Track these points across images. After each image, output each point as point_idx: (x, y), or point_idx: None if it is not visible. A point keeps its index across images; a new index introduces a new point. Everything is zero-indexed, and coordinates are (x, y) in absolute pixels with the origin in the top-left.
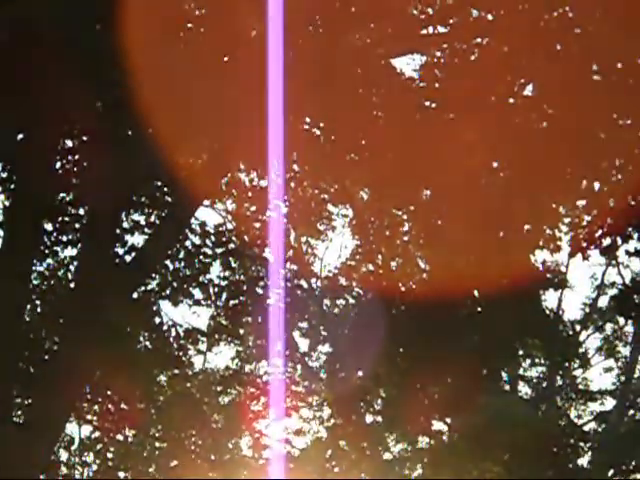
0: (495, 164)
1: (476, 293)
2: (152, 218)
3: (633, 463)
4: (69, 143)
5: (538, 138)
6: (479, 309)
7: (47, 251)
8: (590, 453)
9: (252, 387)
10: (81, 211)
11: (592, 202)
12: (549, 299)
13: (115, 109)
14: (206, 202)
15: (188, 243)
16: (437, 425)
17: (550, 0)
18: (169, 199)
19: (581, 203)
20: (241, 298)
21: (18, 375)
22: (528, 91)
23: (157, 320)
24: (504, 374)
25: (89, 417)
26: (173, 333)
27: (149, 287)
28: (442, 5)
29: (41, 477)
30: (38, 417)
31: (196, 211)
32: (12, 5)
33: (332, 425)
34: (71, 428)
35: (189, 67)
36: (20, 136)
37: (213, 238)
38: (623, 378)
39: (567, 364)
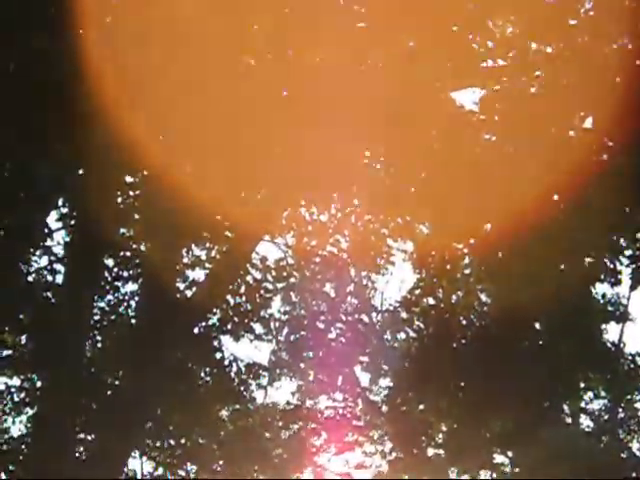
0: (556, 196)
1: (538, 326)
2: (213, 253)
3: None
4: (130, 178)
5: (598, 170)
6: (541, 342)
7: (108, 286)
8: None
9: (313, 422)
10: (142, 246)
11: None
12: (610, 332)
13: (176, 145)
14: (267, 237)
15: (249, 278)
16: (499, 458)
17: (609, 32)
18: (230, 234)
19: None
20: (302, 333)
21: (81, 410)
22: (588, 123)
23: (218, 355)
24: (566, 407)
25: (151, 452)
26: (234, 368)
27: (210, 322)
28: (501, 38)
29: None
30: (101, 452)
31: (257, 246)
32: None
33: (394, 459)
34: (133, 463)
35: (251, 103)
36: (81, 171)
37: (274, 273)
38: None
39: (629, 397)
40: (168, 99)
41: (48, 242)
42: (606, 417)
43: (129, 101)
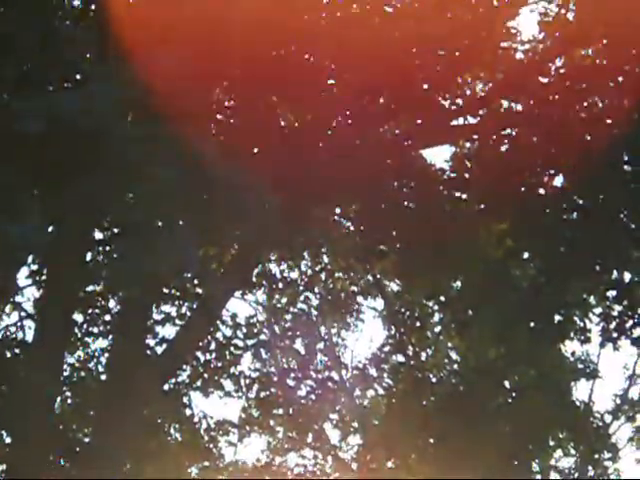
0: (525, 254)
1: (507, 384)
2: (183, 310)
3: None
4: (99, 235)
5: (569, 228)
6: (510, 400)
7: (78, 343)
8: None
9: (283, 479)
10: (111, 303)
11: (623, 292)
12: (580, 389)
13: (146, 201)
14: (237, 294)
15: (219, 335)
16: None
17: (581, 90)
18: (200, 291)
19: (612, 293)
20: (272, 390)
21: (49, 467)
22: (558, 181)
23: (188, 412)
24: (535, 465)
25: None
26: (204, 425)
27: (180, 378)
28: (472, 96)
29: None
30: None
31: (227, 303)
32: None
33: None
34: None
35: (220, 160)
36: (50, 228)
37: (244, 330)
38: None
39: (598, 455)
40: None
41: (18, 298)
42: (576, 475)
43: (99, 159)
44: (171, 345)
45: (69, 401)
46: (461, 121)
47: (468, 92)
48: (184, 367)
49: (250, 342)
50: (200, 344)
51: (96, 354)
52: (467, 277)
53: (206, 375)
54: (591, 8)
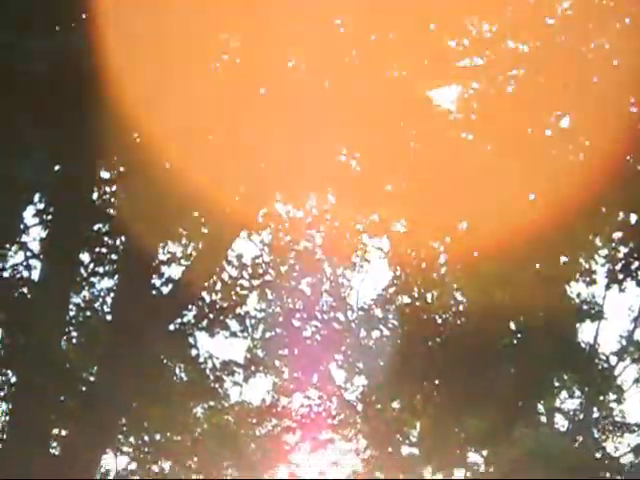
0: (532, 196)
1: (512, 325)
2: (189, 250)
3: None
4: (106, 174)
5: (574, 170)
6: (515, 341)
7: (84, 282)
8: None
9: (288, 419)
10: (118, 242)
11: (628, 234)
12: (585, 331)
13: (153, 141)
14: (243, 234)
15: (225, 275)
16: (473, 457)
17: (587, 31)
18: (206, 231)
19: (617, 235)
20: (277, 330)
21: (55, 406)
22: (565, 123)
23: (193, 352)
24: (540, 407)
25: (125, 448)
26: (209, 365)
27: (185, 319)
28: (479, 37)
29: None
30: (74, 448)
31: (233, 243)
32: (52, 37)
33: (368, 457)
34: (107, 459)
35: (227, 100)
36: (57, 167)
37: (250, 270)
38: None
39: (603, 396)
40: (143, 97)
41: (24, 238)
42: (581, 417)
43: (106, 100)
44: (177, 285)
45: (74, 341)
46: (468, 62)
47: (475, 33)
48: (190, 307)
49: (256, 282)
50: (206, 284)
51: (102, 294)
52: (473, 218)
53: (212, 315)
54: None
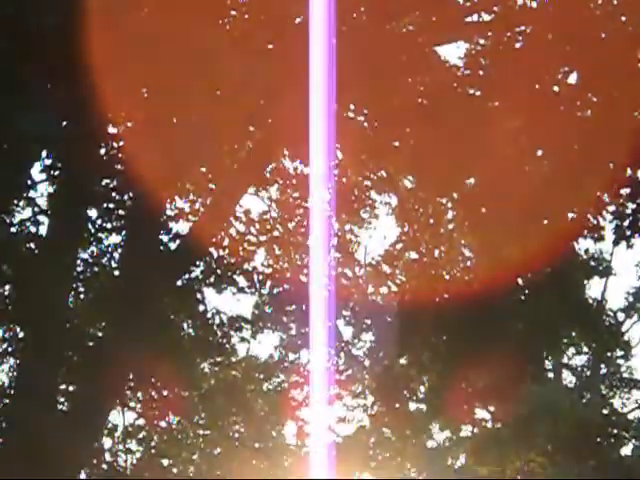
0: (539, 152)
1: (520, 281)
2: (196, 205)
3: None
4: (113, 129)
5: (582, 126)
6: (523, 297)
7: (91, 238)
8: (634, 442)
9: (295, 375)
10: (125, 198)
11: (636, 190)
12: (593, 287)
13: (161, 95)
14: (250, 190)
15: (232, 231)
16: (480, 414)
17: None
18: (213, 186)
19: (625, 191)
20: (285, 286)
21: (62, 362)
22: (572, 79)
23: (201, 307)
24: (548, 362)
25: (133, 404)
26: (217, 321)
27: (193, 275)
28: None
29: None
30: (82, 404)
31: (240, 199)
32: None
33: (375, 413)
34: (115, 415)
35: (234, 54)
36: (64, 123)
37: (257, 226)
38: None
39: (611, 353)
40: (152, 56)
41: (31, 194)
42: (588, 373)
43: (114, 55)
44: (184, 241)
45: (82, 297)
46: (475, 18)
47: None
48: (197, 263)
49: (263, 238)
50: (213, 240)
51: (110, 249)
52: (481, 174)
53: (219, 271)
54: None
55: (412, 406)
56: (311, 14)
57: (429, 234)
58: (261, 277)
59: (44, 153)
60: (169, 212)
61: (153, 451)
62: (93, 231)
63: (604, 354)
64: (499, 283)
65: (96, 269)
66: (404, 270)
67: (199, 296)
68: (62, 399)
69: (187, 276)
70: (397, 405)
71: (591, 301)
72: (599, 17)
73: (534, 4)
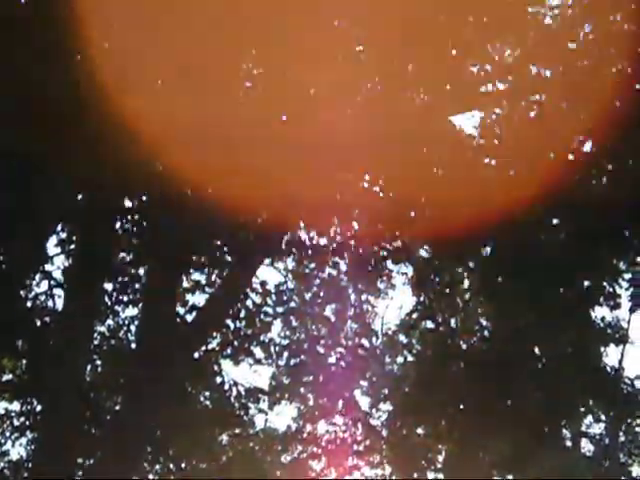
0: (555, 220)
1: (537, 350)
2: (213, 277)
3: None
4: (129, 203)
5: (598, 194)
6: (540, 366)
7: (108, 311)
8: None
9: (314, 446)
10: (141, 271)
11: None
12: (610, 355)
13: (174, 170)
14: (267, 261)
15: (249, 302)
16: None
17: (609, 56)
18: (230, 258)
19: None
20: (302, 357)
21: (80, 435)
22: (587, 147)
23: (218, 379)
24: (566, 431)
25: (151, 476)
26: (234, 392)
27: (210, 346)
28: (500, 62)
29: None
30: (100, 477)
31: (257, 270)
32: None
33: None
34: None
35: (249, 126)
36: (80, 197)
37: (274, 297)
38: None
39: (629, 421)
40: (167, 122)
41: (47, 267)
42: (606, 441)
43: (128, 125)
44: (201, 313)
45: (99, 369)
46: (490, 87)
47: (497, 58)
48: (214, 335)
49: (280, 309)
50: (230, 312)
51: (126, 322)
52: (497, 243)
53: (236, 343)
54: None
55: (430, 475)
56: (326, 82)
57: (445, 303)
58: (278, 348)
59: (59, 227)
60: (185, 284)
61: None
62: (109, 304)
63: (622, 422)
64: (516, 352)
65: (113, 342)
66: (420, 339)
67: (216, 368)
68: (80, 472)
69: (204, 348)
70: (415, 475)
71: (608, 369)
72: (613, 85)
73: (548, 73)
